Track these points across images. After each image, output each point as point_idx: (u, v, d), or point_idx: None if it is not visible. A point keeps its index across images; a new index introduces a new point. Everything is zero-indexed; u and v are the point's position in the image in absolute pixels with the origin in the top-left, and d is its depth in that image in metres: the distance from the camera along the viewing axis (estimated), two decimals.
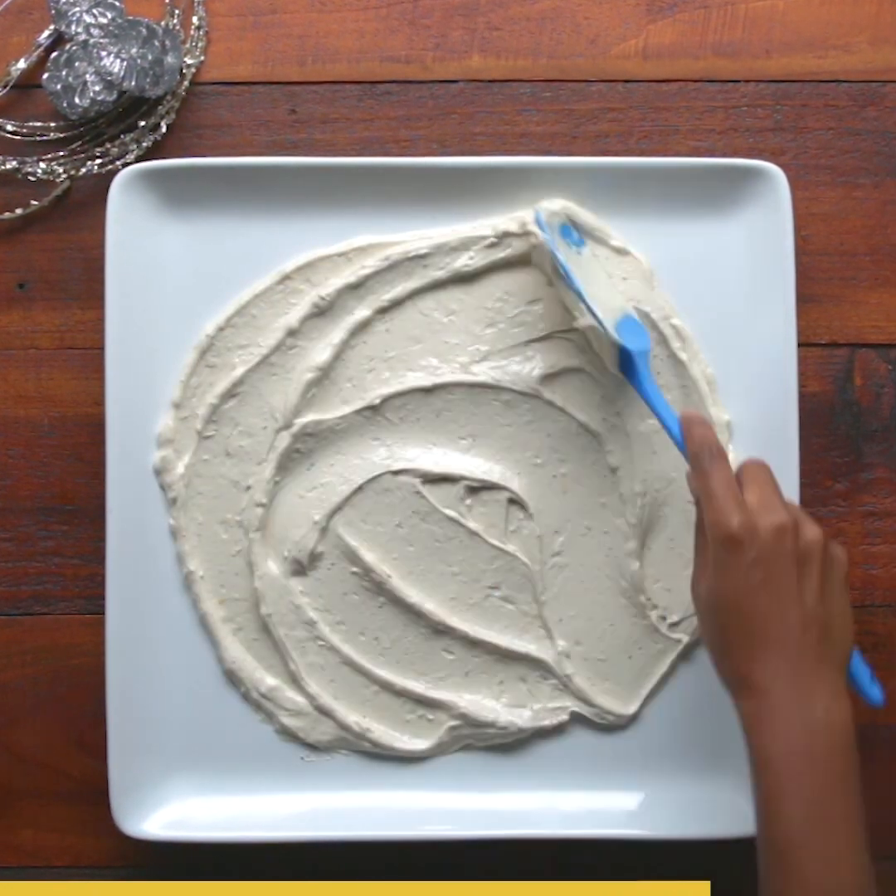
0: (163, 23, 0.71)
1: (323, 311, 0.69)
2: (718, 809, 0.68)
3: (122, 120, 0.72)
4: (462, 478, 0.69)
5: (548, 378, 0.69)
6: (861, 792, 0.55)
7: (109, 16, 0.70)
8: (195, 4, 0.72)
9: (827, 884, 0.52)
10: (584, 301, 0.64)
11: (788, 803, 0.53)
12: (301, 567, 0.69)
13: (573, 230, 0.68)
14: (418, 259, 0.69)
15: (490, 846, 0.69)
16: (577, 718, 0.70)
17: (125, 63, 0.69)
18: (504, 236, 0.69)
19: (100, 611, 0.68)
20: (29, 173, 0.71)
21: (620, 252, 0.69)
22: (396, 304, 0.69)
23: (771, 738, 0.54)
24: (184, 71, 0.71)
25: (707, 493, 0.58)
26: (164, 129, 0.71)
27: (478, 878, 0.70)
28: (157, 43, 0.69)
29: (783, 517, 0.57)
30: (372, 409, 0.69)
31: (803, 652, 0.55)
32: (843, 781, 0.54)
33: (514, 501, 0.69)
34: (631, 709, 0.70)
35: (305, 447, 0.69)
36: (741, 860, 0.68)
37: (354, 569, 0.69)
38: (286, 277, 0.69)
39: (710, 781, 0.68)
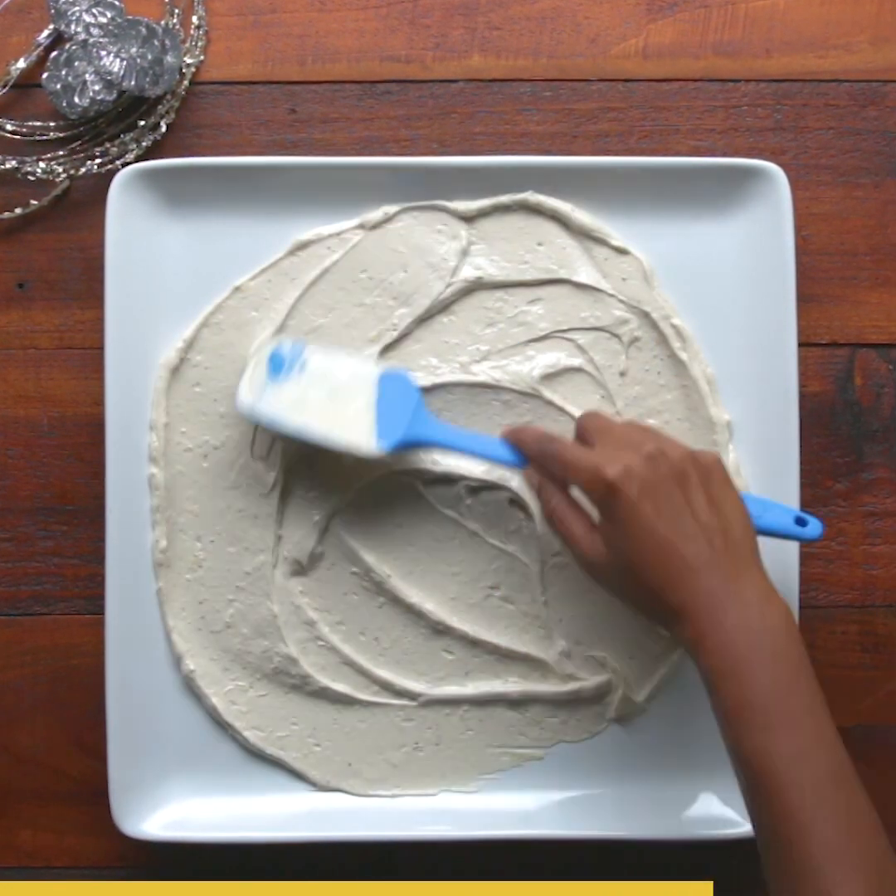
0: (162, 22, 0.71)
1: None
2: (720, 810, 0.68)
3: (121, 119, 0.71)
4: (462, 478, 0.69)
5: (548, 378, 0.69)
6: (816, 680, 0.54)
7: (109, 15, 0.70)
8: (195, 4, 0.71)
9: (801, 778, 0.51)
10: (314, 438, 0.65)
11: (749, 712, 0.53)
12: (301, 567, 0.69)
13: (280, 353, 0.66)
14: None
15: (490, 846, 0.69)
16: None
17: (125, 62, 0.69)
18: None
19: (99, 611, 0.68)
20: (28, 173, 0.71)
21: (620, 252, 0.69)
22: None
23: (719, 656, 0.54)
24: (183, 70, 0.71)
25: (566, 464, 0.59)
26: (163, 129, 0.71)
27: (478, 879, 0.69)
28: (156, 42, 0.69)
29: (647, 446, 0.58)
30: None
31: (717, 563, 0.55)
32: (798, 676, 0.54)
33: (514, 501, 0.69)
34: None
35: (306, 447, 0.69)
36: (744, 860, 0.68)
37: (354, 569, 0.69)
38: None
39: (714, 781, 0.68)
